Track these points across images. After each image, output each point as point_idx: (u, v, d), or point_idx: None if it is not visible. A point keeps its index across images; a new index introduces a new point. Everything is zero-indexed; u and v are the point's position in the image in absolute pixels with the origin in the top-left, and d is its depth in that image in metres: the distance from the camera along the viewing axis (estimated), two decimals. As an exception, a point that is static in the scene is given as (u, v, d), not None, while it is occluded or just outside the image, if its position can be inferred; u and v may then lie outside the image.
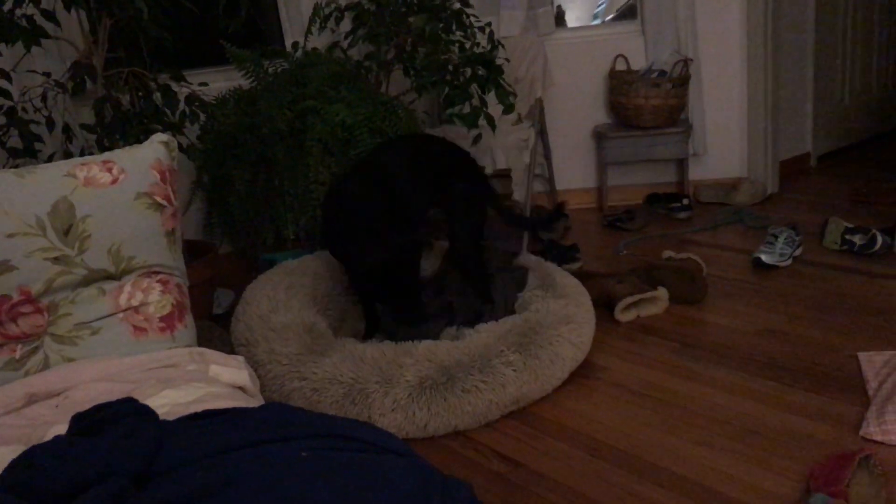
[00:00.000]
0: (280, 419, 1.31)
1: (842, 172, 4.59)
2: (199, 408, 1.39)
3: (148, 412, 1.30)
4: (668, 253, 3.31)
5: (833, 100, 4.84)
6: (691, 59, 4.09)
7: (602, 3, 5.39)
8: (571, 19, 5.05)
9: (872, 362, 2.40)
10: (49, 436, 1.33)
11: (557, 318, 2.57)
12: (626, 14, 4.82)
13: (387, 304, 2.77)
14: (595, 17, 5.30)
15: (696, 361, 2.58)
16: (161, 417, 1.31)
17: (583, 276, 3.02)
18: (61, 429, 1.31)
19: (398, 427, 2.26)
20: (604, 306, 2.99)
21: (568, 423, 2.31)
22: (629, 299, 2.92)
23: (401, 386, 2.28)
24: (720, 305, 2.99)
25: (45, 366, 1.68)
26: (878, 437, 2.03)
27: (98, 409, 1.29)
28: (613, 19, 5.06)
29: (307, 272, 2.95)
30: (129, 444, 1.16)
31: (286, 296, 2.75)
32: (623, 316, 2.94)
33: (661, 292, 2.99)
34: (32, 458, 1.14)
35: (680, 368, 2.55)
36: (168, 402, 1.47)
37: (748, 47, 4.15)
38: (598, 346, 2.73)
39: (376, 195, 2.65)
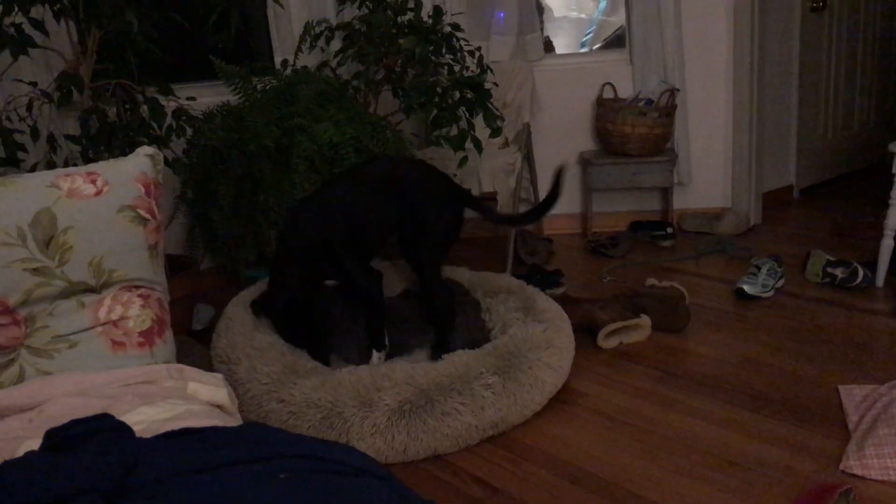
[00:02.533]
0: (258, 439, 1.29)
1: (824, 205, 4.63)
2: (177, 425, 1.37)
3: (124, 429, 1.28)
4: (651, 280, 3.32)
5: (816, 134, 4.89)
6: (678, 90, 4.13)
7: (590, 32, 5.45)
8: (560, 46, 5.09)
9: (852, 396, 2.41)
10: (21, 451, 1.31)
11: (537, 343, 2.56)
12: (615, 43, 4.87)
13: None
14: (583, 45, 5.35)
15: (677, 390, 2.58)
16: (137, 434, 1.29)
17: (566, 302, 3.02)
18: (34, 444, 1.28)
19: (377, 451, 2.24)
20: (586, 332, 2.98)
21: (548, 449, 2.29)
22: (612, 326, 2.92)
23: (380, 410, 2.26)
24: (702, 334, 2.99)
25: (21, 379, 1.65)
26: (858, 472, 2.03)
27: (72, 424, 1.26)
28: (601, 48, 5.11)
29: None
30: (103, 461, 1.14)
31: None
32: (605, 342, 2.94)
33: (644, 320, 2.99)
34: (3, 475, 1.12)
35: (661, 396, 2.55)
36: (145, 419, 1.45)
37: (734, 79, 4.19)
38: (579, 372, 2.72)
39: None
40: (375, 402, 2.28)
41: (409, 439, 2.25)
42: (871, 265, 3.32)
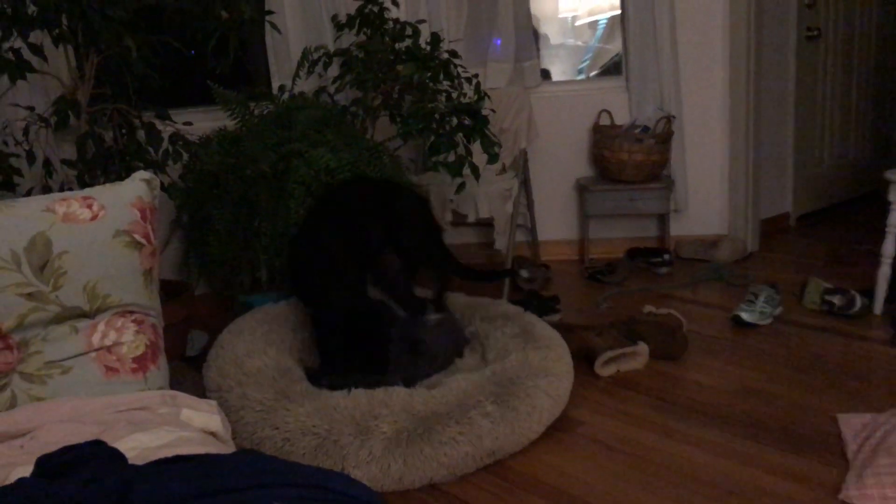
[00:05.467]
0: (252, 467, 1.28)
1: (821, 233, 4.64)
2: (170, 452, 1.35)
3: (116, 455, 1.27)
4: (648, 308, 3.31)
5: (813, 161, 4.91)
6: (674, 117, 4.14)
7: (586, 59, 5.47)
8: (557, 73, 5.12)
9: (851, 424, 2.39)
10: (13, 478, 1.29)
11: (535, 370, 2.55)
12: (611, 70, 4.89)
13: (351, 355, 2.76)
14: (580, 72, 5.38)
15: (674, 418, 2.56)
16: (130, 461, 1.28)
17: (563, 329, 3.01)
18: (26, 470, 1.27)
19: (372, 479, 2.21)
20: (583, 360, 2.97)
21: (544, 478, 2.27)
22: (609, 353, 2.91)
23: (376, 437, 2.24)
24: (700, 362, 2.98)
25: (12, 405, 1.63)
26: (858, 502, 2.01)
27: (65, 451, 1.25)
28: (598, 75, 5.13)
29: (285, 319, 2.91)
30: (95, 488, 1.12)
31: (263, 342, 2.71)
32: (603, 370, 2.92)
33: (641, 347, 2.97)
34: (-6, 502, 1.10)
35: (658, 425, 2.53)
36: (138, 446, 1.43)
37: (731, 107, 4.21)
38: (576, 400, 2.70)
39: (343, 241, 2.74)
40: (372, 430, 2.26)
41: (405, 468, 2.22)
42: (869, 293, 3.32)
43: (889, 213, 3.18)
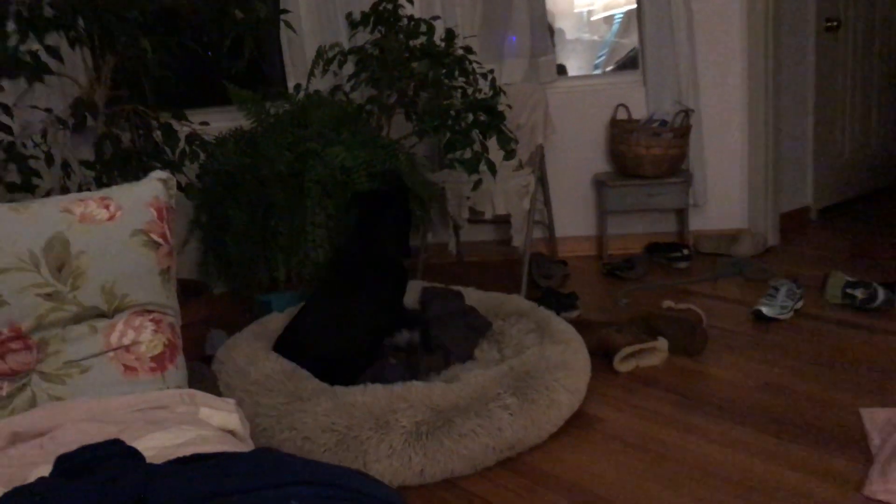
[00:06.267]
0: (271, 465, 1.28)
1: (842, 226, 4.59)
2: (188, 451, 1.35)
3: (135, 454, 1.27)
4: (667, 303, 3.29)
5: (833, 154, 4.86)
6: (692, 110, 4.11)
7: (602, 54, 5.45)
8: (573, 68, 5.10)
9: (875, 419, 2.37)
10: (33, 477, 1.29)
11: (553, 364, 2.54)
12: (628, 64, 4.87)
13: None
14: (596, 66, 5.36)
15: (695, 414, 2.54)
16: (149, 460, 1.28)
17: (581, 325, 3.00)
18: (46, 470, 1.27)
19: (393, 473, 2.21)
20: (602, 356, 2.95)
21: (564, 475, 2.26)
22: (628, 349, 2.89)
23: (396, 431, 2.24)
24: (720, 358, 2.96)
25: (32, 404, 1.64)
26: (883, 497, 1.98)
27: (84, 450, 1.25)
28: (615, 69, 5.11)
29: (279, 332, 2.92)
30: (114, 487, 1.12)
31: (264, 350, 2.71)
32: (622, 366, 2.90)
33: (661, 343, 2.95)
34: (14, 501, 1.10)
35: (679, 421, 2.51)
36: (156, 445, 1.43)
37: (749, 100, 4.17)
38: (595, 397, 2.69)
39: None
40: (391, 424, 2.26)
41: (426, 461, 2.22)
42: (892, 286, 3.28)
43: (911, 205, 3.15)
